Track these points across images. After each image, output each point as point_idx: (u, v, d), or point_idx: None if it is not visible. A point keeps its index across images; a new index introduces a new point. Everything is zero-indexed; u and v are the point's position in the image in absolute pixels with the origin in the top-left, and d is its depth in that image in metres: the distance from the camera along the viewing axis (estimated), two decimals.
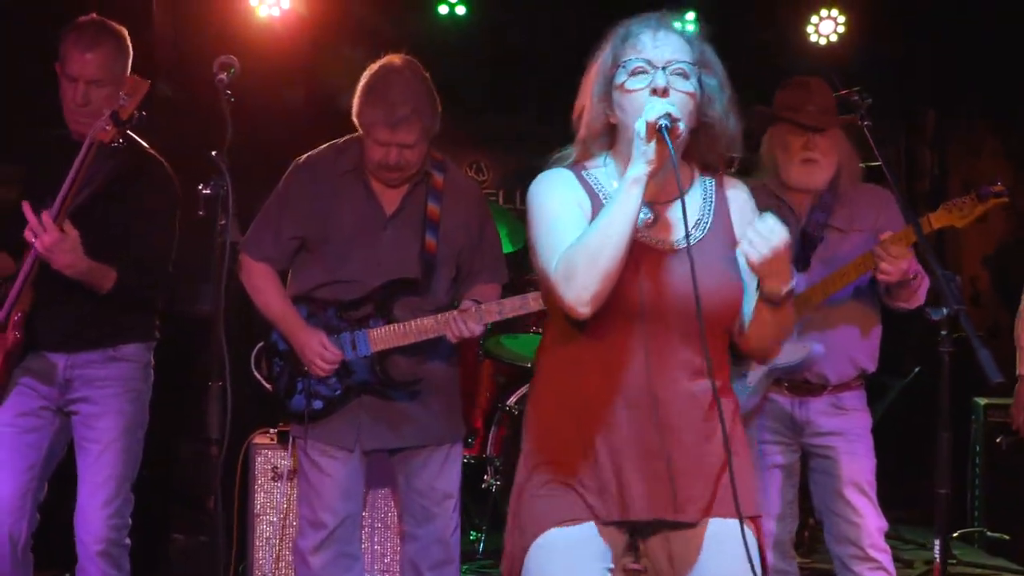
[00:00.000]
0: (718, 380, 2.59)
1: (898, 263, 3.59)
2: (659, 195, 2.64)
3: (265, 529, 4.70)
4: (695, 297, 2.47)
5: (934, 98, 7.00)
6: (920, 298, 3.73)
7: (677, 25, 2.67)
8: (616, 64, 2.63)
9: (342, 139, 3.97)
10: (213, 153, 3.04)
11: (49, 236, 3.56)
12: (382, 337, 3.84)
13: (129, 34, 3.95)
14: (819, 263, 3.85)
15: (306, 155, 3.98)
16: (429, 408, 3.92)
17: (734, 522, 2.53)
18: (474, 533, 5.67)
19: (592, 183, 2.70)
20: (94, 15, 3.93)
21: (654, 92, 2.55)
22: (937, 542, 3.04)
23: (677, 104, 2.53)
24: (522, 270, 5.51)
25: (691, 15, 6.60)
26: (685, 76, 2.59)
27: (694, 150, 2.69)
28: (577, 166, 2.74)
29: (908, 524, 5.92)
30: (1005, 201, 3.69)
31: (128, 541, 3.96)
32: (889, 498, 3.90)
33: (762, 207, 3.93)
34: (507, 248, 5.72)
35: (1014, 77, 6.30)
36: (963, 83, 6.72)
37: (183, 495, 5.65)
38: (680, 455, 2.60)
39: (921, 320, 3.75)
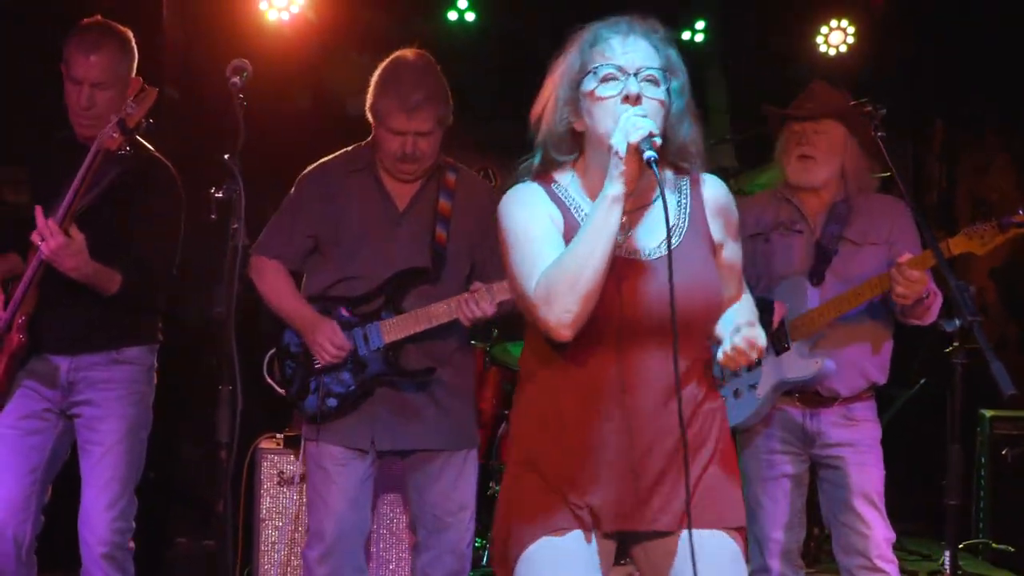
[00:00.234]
0: (701, 383, 2.61)
1: (915, 287, 3.56)
2: (630, 203, 2.56)
3: (271, 534, 4.69)
4: (671, 306, 2.42)
5: (942, 109, 6.99)
6: (933, 315, 3.70)
7: (644, 29, 2.60)
8: (584, 70, 2.58)
9: (351, 147, 4.00)
10: (226, 157, 3.03)
11: (55, 240, 3.56)
12: (393, 327, 3.83)
13: (138, 38, 3.96)
14: (833, 277, 3.85)
15: (315, 163, 4.01)
16: (445, 409, 3.91)
17: (710, 532, 2.56)
18: (479, 540, 5.65)
19: (562, 196, 2.65)
20: (98, 17, 3.94)
21: (626, 99, 2.51)
22: (947, 553, 3.03)
23: (649, 112, 2.50)
24: None
25: (701, 24, 6.65)
26: (656, 83, 2.54)
27: (663, 154, 2.56)
28: (544, 179, 2.68)
29: (912, 535, 5.91)
30: None
31: (132, 545, 3.95)
32: (894, 509, 3.89)
33: (773, 213, 3.97)
34: None
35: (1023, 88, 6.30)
36: (972, 94, 6.70)
37: (186, 499, 5.65)
38: (659, 465, 2.57)
39: (929, 331, 3.76)
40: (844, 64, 6.58)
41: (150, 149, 3.97)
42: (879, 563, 3.79)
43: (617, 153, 2.44)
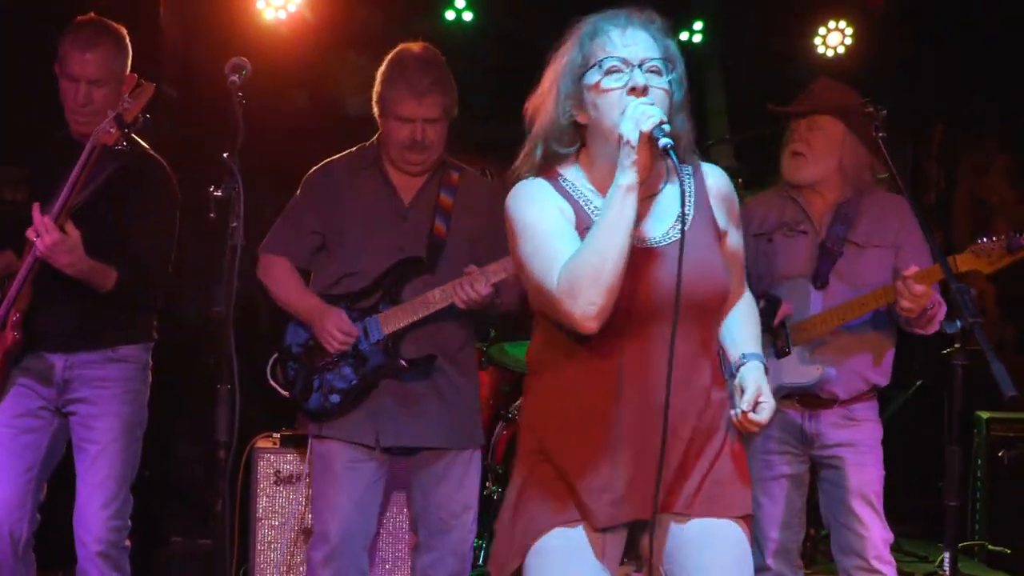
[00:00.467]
0: (710, 368, 2.64)
1: (919, 301, 3.54)
2: (639, 191, 2.55)
3: (267, 533, 4.69)
4: (675, 297, 2.45)
5: (941, 110, 6.98)
6: (936, 324, 3.67)
7: (642, 20, 2.62)
8: (587, 63, 2.59)
9: (355, 148, 4.03)
10: (225, 155, 3.03)
11: (50, 236, 3.56)
12: (391, 318, 3.85)
13: (135, 36, 3.97)
14: (837, 280, 3.83)
15: (320, 163, 4.04)
16: (448, 404, 3.92)
17: (720, 520, 2.61)
18: (476, 540, 5.64)
19: (570, 190, 2.66)
20: (92, 14, 3.94)
21: (632, 91, 2.52)
22: (947, 555, 3.02)
23: (656, 102, 2.51)
24: None
25: (699, 24, 6.64)
26: (659, 73, 2.56)
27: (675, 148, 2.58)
28: (549, 174, 2.68)
29: (909, 537, 5.91)
30: None
31: (128, 543, 3.95)
32: (890, 511, 3.89)
33: (777, 212, 3.96)
34: None
35: (1023, 90, 6.30)
36: (971, 95, 6.70)
37: (182, 497, 5.64)
38: (675, 452, 2.58)
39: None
40: (842, 65, 6.57)
41: (145, 147, 3.97)
42: (876, 564, 3.79)
43: (628, 142, 2.45)
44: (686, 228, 2.57)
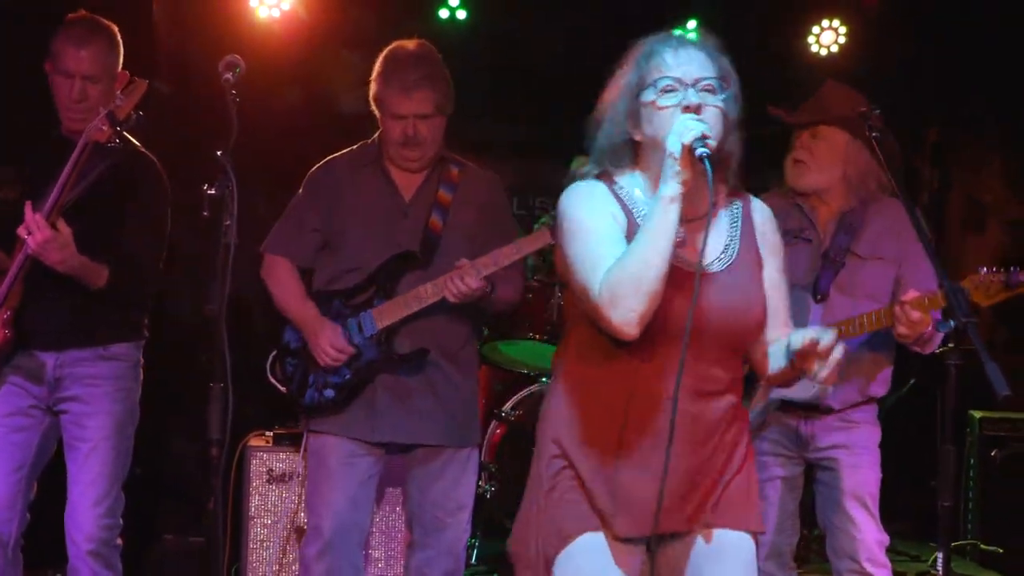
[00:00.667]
0: (734, 396, 2.71)
1: (917, 328, 3.51)
2: (688, 212, 2.62)
3: (259, 532, 4.69)
4: (687, 322, 2.51)
5: (935, 110, 6.98)
6: (933, 347, 3.66)
7: (695, 39, 2.70)
8: (643, 84, 2.64)
9: (356, 145, 4.04)
10: (218, 153, 3.02)
11: (41, 233, 3.55)
12: (384, 312, 3.85)
13: (129, 34, 3.97)
14: (837, 292, 3.81)
15: (321, 161, 4.05)
16: (443, 400, 3.92)
17: (735, 532, 2.68)
18: (469, 539, 5.63)
19: (624, 197, 2.71)
20: (83, 12, 3.94)
21: (687, 109, 2.57)
22: (940, 555, 3.01)
23: (710, 120, 2.57)
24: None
25: (692, 23, 6.62)
26: (713, 91, 2.62)
27: (724, 167, 2.68)
28: (606, 178, 2.74)
29: (900, 536, 5.91)
30: None
31: (119, 542, 3.94)
32: (882, 509, 3.88)
33: (782, 219, 3.92)
34: None
35: (1018, 90, 6.30)
36: (966, 95, 6.70)
37: (174, 495, 5.64)
38: (695, 469, 2.66)
39: None
40: (836, 64, 6.57)
41: (137, 144, 3.97)
42: (868, 567, 3.78)
43: (672, 154, 2.51)
44: (733, 258, 2.69)
